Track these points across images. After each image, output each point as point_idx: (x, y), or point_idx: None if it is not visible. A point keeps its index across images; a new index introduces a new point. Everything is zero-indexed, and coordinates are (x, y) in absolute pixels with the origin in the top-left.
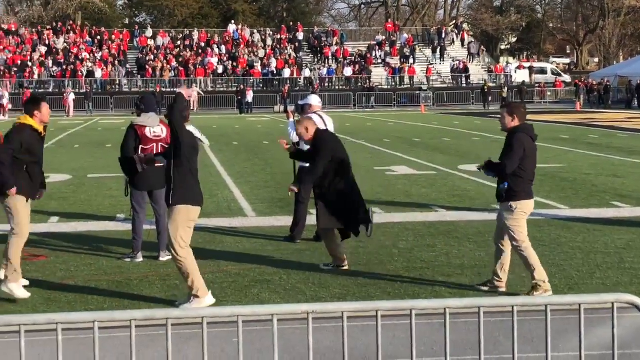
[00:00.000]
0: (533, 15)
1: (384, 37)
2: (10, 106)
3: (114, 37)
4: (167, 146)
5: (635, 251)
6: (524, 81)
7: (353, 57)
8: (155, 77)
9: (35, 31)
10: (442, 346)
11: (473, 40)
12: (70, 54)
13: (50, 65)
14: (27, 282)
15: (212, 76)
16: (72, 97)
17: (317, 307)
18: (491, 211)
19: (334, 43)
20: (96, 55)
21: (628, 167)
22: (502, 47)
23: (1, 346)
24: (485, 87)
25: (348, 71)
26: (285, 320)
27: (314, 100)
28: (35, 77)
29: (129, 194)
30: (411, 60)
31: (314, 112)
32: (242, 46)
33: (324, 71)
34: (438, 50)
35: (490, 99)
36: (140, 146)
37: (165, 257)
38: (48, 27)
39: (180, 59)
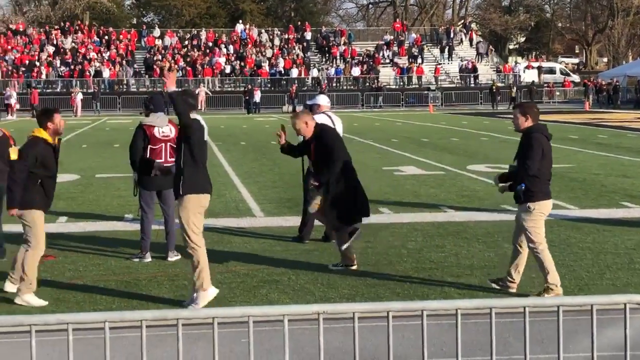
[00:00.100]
0: (542, 15)
1: (392, 37)
2: (18, 106)
3: (121, 37)
4: (175, 146)
5: None
6: (533, 81)
7: (361, 57)
8: (163, 77)
9: (43, 31)
10: (451, 347)
11: (481, 40)
12: (78, 54)
13: (58, 65)
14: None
15: (219, 76)
16: (79, 97)
17: (327, 307)
18: (500, 211)
19: (342, 43)
20: (104, 55)
21: (637, 167)
22: (511, 46)
23: (10, 346)
24: (494, 87)
25: (356, 71)
26: (294, 321)
27: (323, 100)
28: (43, 77)
29: (138, 193)
30: (419, 60)
31: (323, 112)
32: (249, 46)
33: (332, 71)
34: (446, 50)
35: (499, 98)
36: (149, 146)
37: (173, 257)
38: (56, 27)
39: (188, 59)
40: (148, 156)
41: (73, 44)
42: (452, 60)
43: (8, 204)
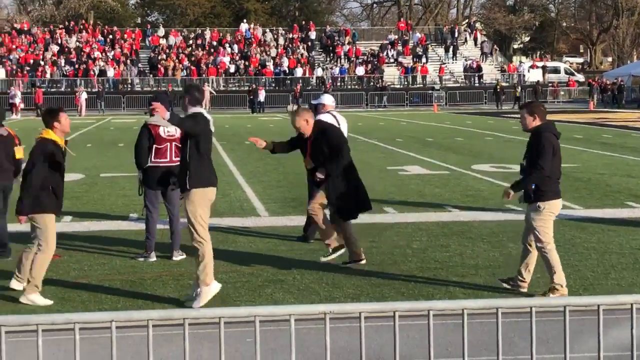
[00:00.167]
0: (546, 14)
1: (396, 36)
2: (22, 105)
3: (126, 36)
4: (180, 145)
5: None
6: (538, 81)
7: (365, 57)
8: (167, 76)
9: (48, 30)
10: (456, 346)
11: (486, 39)
12: (82, 53)
13: (63, 64)
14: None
15: (224, 75)
16: (84, 96)
17: (334, 307)
18: (505, 211)
19: (346, 42)
20: (108, 54)
21: None
22: (515, 46)
23: (15, 345)
24: (498, 87)
25: (360, 70)
26: (299, 320)
27: (327, 99)
28: (48, 76)
29: (143, 193)
30: (424, 60)
31: (327, 112)
32: (254, 45)
33: (336, 70)
34: (451, 49)
35: (503, 98)
36: (154, 146)
37: (178, 256)
38: (60, 26)
39: (193, 58)
40: (154, 156)
41: (77, 43)
42: (456, 59)
43: (17, 211)
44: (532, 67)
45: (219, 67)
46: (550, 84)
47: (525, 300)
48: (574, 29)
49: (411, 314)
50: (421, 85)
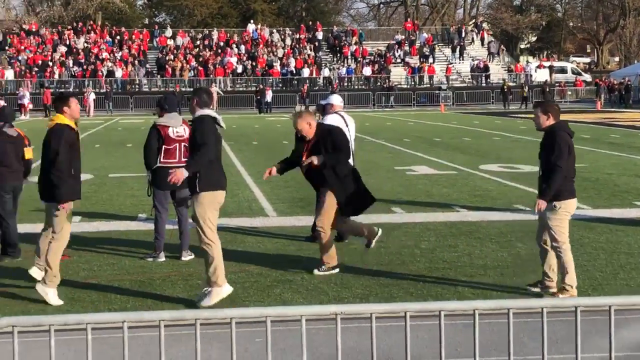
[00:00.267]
0: (553, 14)
1: (403, 37)
2: (31, 106)
3: (133, 37)
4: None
5: None
6: (546, 80)
7: (372, 57)
8: (175, 76)
9: (56, 31)
10: (465, 347)
11: (493, 39)
12: (90, 54)
13: (71, 65)
14: None
15: (231, 76)
16: (92, 96)
17: (345, 308)
18: (513, 211)
19: (353, 42)
20: (116, 55)
21: None
22: (522, 46)
23: (25, 345)
24: (505, 87)
25: (367, 71)
26: (309, 321)
27: (336, 99)
28: (56, 77)
29: (152, 193)
30: (430, 60)
31: (335, 112)
32: (261, 46)
33: (343, 71)
34: (457, 49)
35: (510, 98)
36: (164, 146)
37: (187, 256)
38: (68, 27)
39: (200, 59)
40: (162, 156)
41: (85, 44)
42: (463, 59)
43: (59, 199)
44: (539, 67)
45: (226, 67)
46: (557, 84)
47: (537, 301)
48: (580, 29)
49: (421, 314)
50: (428, 86)
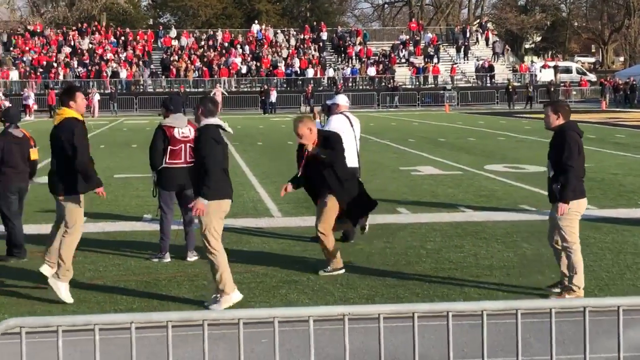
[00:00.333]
0: (558, 14)
1: (407, 37)
2: (35, 107)
3: (138, 37)
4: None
5: None
6: (551, 80)
7: (377, 57)
8: (179, 77)
9: (61, 32)
10: (472, 348)
11: (497, 39)
12: (95, 55)
13: (76, 66)
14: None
15: (235, 76)
16: (97, 97)
17: (353, 309)
18: (518, 211)
19: (358, 43)
20: (121, 55)
21: None
22: (527, 46)
23: (33, 345)
24: (510, 87)
25: (372, 71)
26: (315, 321)
27: (342, 100)
28: (61, 77)
29: (157, 194)
30: (435, 60)
31: (341, 112)
32: (265, 46)
33: (348, 71)
34: (462, 49)
35: (515, 97)
36: (169, 147)
37: (192, 257)
38: (73, 28)
39: (204, 59)
40: (168, 157)
41: (90, 45)
42: (468, 59)
43: (93, 185)
44: (544, 67)
45: (230, 68)
46: (562, 84)
47: (545, 301)
48: (585, 29)
49: (428, 314)
50: (433, 86)
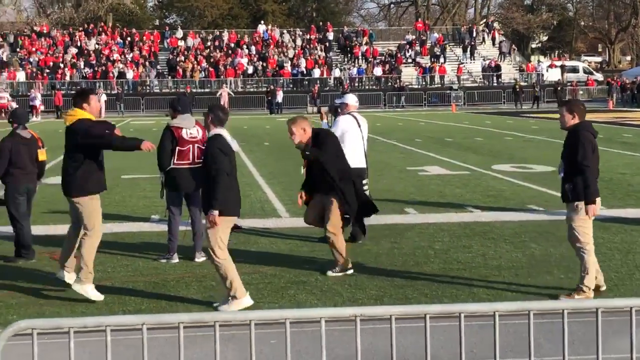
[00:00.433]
0: (564, 14)
1: (414, 37)
2: (42, 107)
3: (144, 38)
4: (203, 147)
5: None
6: (558, 80)
7: (383, 57)
8: (186, 78)
9: (67, 33)
10: (482, 348)
11: (504, 39)
12: (101, 56)
13: (82, 66)
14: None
15: (242, 77)
16: (103, 98)
17: (365, 310)
18: (526, 211)
19: (364, 43)
20: (127, 56)
21: None
22: (533, 45)
23: (43, 346)
24: (517, 86)
25: (378, 71)
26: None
27: (351, 99)
28: (67, 78)
29: (165, 195)
30: (441, 60)
31: (349, 113)
32: (271, 46)
33: (354, 71)
34: (468, 49)
35: (522, 96)
36: (177, 148)
37: (200, 258)
38: (79, 28)
39: (211, 60)
40: (176, 158)
41: (96, 46)
42: (474, 59)
43: (132, 145)
44: (550, 66)
45: (237, 68)
46: (569, 84)
47: (557, 302)
48: (592, 28)
49: (440, 315)
50: (439, 85)
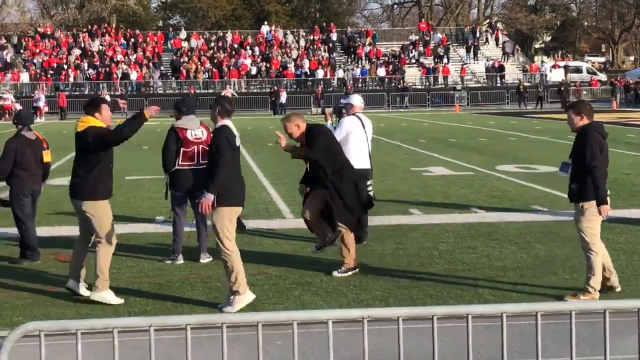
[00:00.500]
0: (568, 14)
1: (417, 37)
2: (46, 109)
3: (148, 39)
4: (207, 148)
5: None
6: (562, 80)
7: (386, 58)
8: (189, 78)
9: (71, 34)
10: (487, 349)
11: (507, 39)
12: (105, 57)
13: (86, 67)
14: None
15: (245, 77)
16: (107, 99)
17: (372, 312)
18: (531, 212)
19: (367, 43)
20: (131, 57)
21: None
22: (537, 46)
23: (50, 348)
24: (521, 87)
25: (381, 71)
26: (325, 324)
27: (356, 100)
28: (71, 79)
29: (170, 196)
30: (445, 60)
31: (354, 114)
32: (275, 47)
33: (357, 71)
34: (472, 49)
35: (526, 95)
36: (182, 149)
37: (205, 259)
38: (83, 30)
39: (214, 61)
40: (181, 159)
41: (100, 47)
42: (478, 60)
43: (141, 121)
44: (554, 66)
45: (240, 69)
46: (572, 84)
47: (565, 304)
48: (595, 28)
49: (446, 317)
50: (443, 86)
